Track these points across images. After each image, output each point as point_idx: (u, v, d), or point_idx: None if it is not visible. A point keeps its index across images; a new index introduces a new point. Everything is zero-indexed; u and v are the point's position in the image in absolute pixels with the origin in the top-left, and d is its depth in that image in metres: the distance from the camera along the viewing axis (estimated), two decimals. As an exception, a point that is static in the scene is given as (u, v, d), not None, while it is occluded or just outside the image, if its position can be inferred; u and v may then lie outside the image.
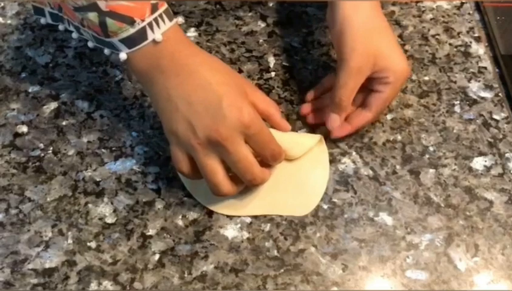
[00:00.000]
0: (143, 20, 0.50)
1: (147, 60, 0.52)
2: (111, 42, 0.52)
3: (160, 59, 0.52)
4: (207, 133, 0.51)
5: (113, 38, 0.51)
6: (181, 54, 0.53)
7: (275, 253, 0.57)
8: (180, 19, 0.55)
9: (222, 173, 0.54)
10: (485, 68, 0.70)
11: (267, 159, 0.56)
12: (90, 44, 0.55)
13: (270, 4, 0.75)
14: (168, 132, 0.54)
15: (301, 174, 0.61)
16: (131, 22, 0.50)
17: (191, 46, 0.55)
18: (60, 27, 0.57)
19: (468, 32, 0.73)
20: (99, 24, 0.51)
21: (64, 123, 0.65)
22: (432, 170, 0.62)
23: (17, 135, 0.64)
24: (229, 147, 0.52)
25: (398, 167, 0.62)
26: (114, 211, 0.59)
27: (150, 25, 0.51)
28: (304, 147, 0.61)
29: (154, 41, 0.51)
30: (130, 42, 0.51)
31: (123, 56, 0.52)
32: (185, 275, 0.55)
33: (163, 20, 0.52)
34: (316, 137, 0.62)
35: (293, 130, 0.64)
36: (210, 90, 0.52)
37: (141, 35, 0.51)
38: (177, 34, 0.53)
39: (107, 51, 0.54)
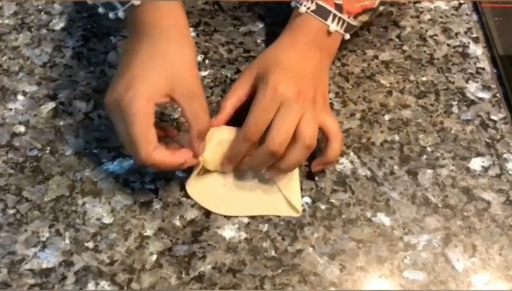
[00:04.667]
0: None
1: (130, 22, 0.58)
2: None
3: (132, 24, 0.58)
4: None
5: None
6: (145, 25, 0.57)
7: (273, 253, 0.57)
8: None
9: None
10: (483, 68, 0.70)
11: None
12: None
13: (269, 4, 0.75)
14: None
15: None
16: None
17: (163, 21, 0.57)
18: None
19: (465, 33, 0.73)
20: None
21: (61, 123, 0.64)
22: (430, 171, 0.62)
23: (14, 135, 0.64)
24: (109, 115, 0.56)
25: (396, 167, 0.62)
26: (112, 211, 0.59)
27: None
28: None
29: (133, 5, 0.57)
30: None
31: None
32: (183, 275, 0.55)
33: None
34: None
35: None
36: (127, 63, 0.55)
37: None
38: (156, 7, 0.57)
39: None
